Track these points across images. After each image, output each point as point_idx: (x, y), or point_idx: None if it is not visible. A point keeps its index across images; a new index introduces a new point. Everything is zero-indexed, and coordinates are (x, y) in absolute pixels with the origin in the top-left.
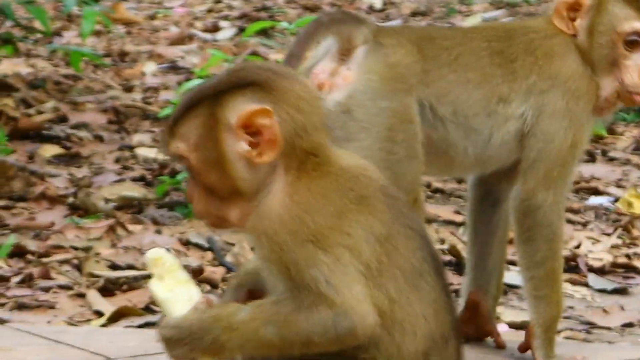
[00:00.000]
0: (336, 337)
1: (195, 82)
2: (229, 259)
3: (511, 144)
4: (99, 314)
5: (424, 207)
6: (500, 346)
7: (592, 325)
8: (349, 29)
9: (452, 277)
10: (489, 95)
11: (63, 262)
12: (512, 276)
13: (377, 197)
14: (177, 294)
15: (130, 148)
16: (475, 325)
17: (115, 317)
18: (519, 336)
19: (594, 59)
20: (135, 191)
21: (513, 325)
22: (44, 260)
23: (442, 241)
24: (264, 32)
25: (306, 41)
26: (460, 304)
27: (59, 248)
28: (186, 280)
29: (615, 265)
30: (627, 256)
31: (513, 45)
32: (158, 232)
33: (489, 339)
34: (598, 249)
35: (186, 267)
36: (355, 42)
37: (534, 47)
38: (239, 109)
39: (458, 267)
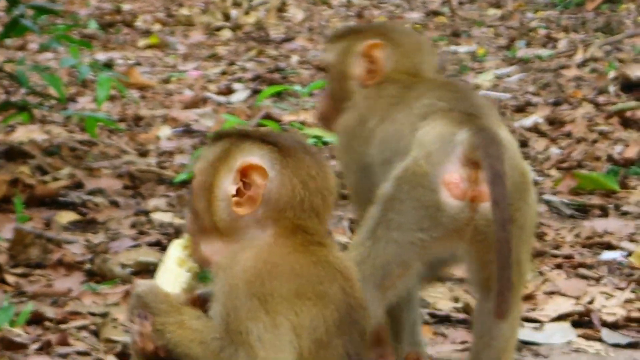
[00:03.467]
0: None
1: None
2: None
3: None
4: None
5: None
6: None
7: None
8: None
9: (467, 335)
10: None
11: (81, 328)
12: (526, 332)
13: (338, 307)
14: (180, 273)
15: (146, 213)
16: None
17: None
18: None
19: None
20: (151, 256)
21: None
22: (62, 326)
23: (456, 299)
24: (277, 95)
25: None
26: None
27: (76, 314)
28: (193, 276)
29: (629, 319)
30: None
31: None
32: None
33: None
34: (611, 303)
35: None
36: None
37: None
38: (248, 157)
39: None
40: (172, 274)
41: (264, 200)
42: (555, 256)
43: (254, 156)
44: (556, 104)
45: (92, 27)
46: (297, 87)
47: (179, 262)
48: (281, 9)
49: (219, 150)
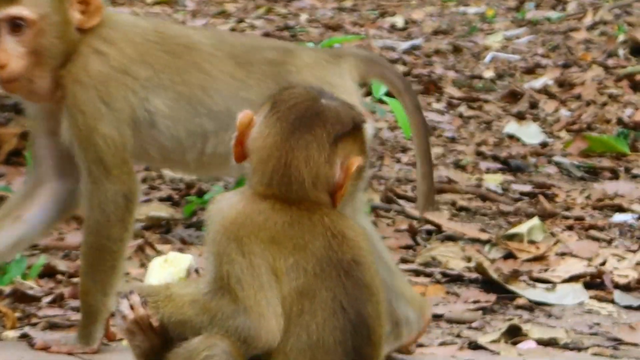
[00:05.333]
0: (235, 329)
1: None
2: None
3: None
4: None
5: None
6: None
7: (619, 341)
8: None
9: (480, 295)
10: None
11: None
12: (538, 293)
13: (320, 261)
14: (163, 276)
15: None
16: None
17: None
18: (546, 354)
19: None
20: (162, 211)
21: (541, 342)
22: (74, 279)
23: (469, 259)
24: None
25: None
26: None
27: None
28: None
29: None
30: None
31: None
32: (186, 251)
33: None
34: (623, 265)
35: None
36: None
37: None
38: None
39: (485, 284)
40: (156, 278)
41: (247, 154)
42: (567, 218)
43: (255, 110)
44: (565, 66)
45: None
46: (310, 45)
47: (161, 268)
48: None
49: None
